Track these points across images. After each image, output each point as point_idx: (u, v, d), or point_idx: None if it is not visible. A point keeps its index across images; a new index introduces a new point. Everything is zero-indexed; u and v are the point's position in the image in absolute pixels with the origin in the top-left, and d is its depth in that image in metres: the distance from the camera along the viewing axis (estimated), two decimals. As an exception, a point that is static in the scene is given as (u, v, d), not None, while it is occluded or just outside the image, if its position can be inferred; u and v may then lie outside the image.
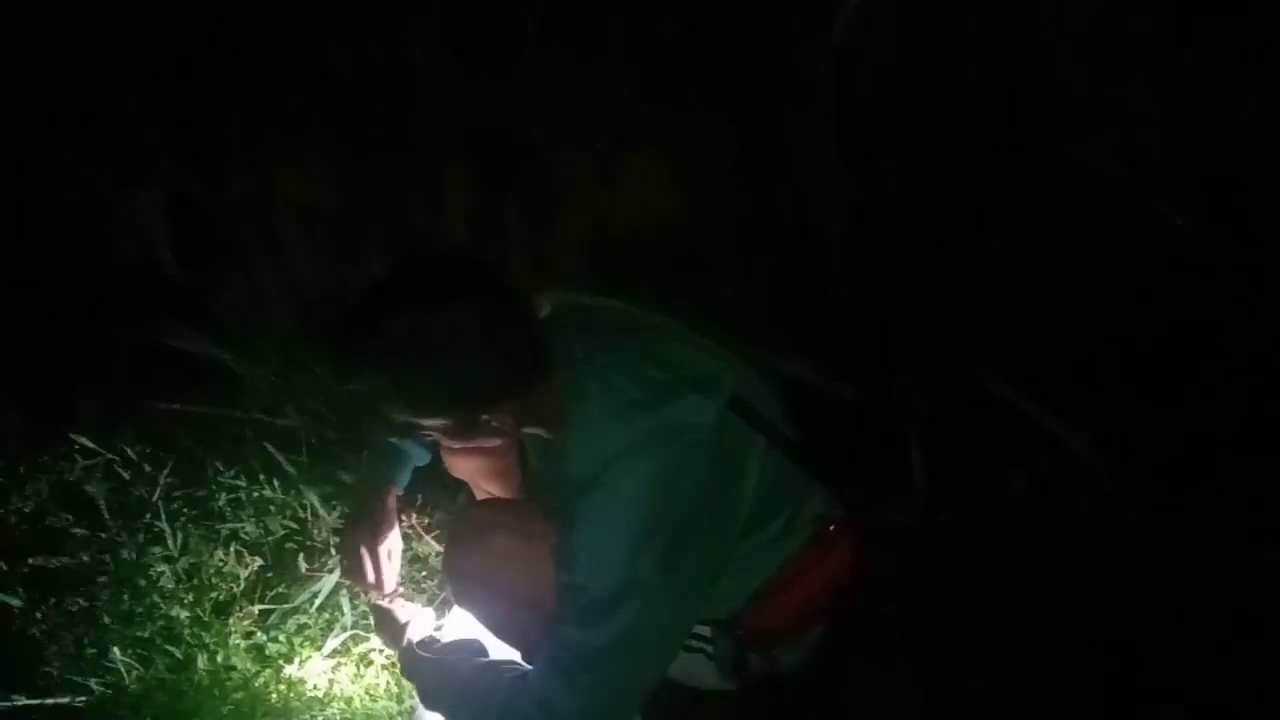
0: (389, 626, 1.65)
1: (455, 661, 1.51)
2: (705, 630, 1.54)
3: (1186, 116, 2.12)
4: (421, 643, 1.56)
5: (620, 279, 2.03)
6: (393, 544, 1.73)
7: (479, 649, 1.53)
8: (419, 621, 1.66)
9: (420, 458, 1.77)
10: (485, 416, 1.36)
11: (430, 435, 1.41)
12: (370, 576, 1.68)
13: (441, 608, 1.84)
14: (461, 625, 1.68)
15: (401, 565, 1.78)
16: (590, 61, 2.41)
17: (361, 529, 1.70)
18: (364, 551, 1.68)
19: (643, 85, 2.36)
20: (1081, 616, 1.68)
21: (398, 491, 1.77)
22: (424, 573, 2.00)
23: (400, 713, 1.83)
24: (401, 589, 1.73)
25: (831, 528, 1.54)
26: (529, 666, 1.46)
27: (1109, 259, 1.99)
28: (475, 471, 1.78)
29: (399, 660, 1.59)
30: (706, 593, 1.45)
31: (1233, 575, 1.65)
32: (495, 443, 1.45)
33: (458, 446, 1.43)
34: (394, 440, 1.74)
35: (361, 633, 1.95)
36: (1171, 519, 1.70)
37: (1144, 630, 1.63)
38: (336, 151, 2.40)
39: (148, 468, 2.24)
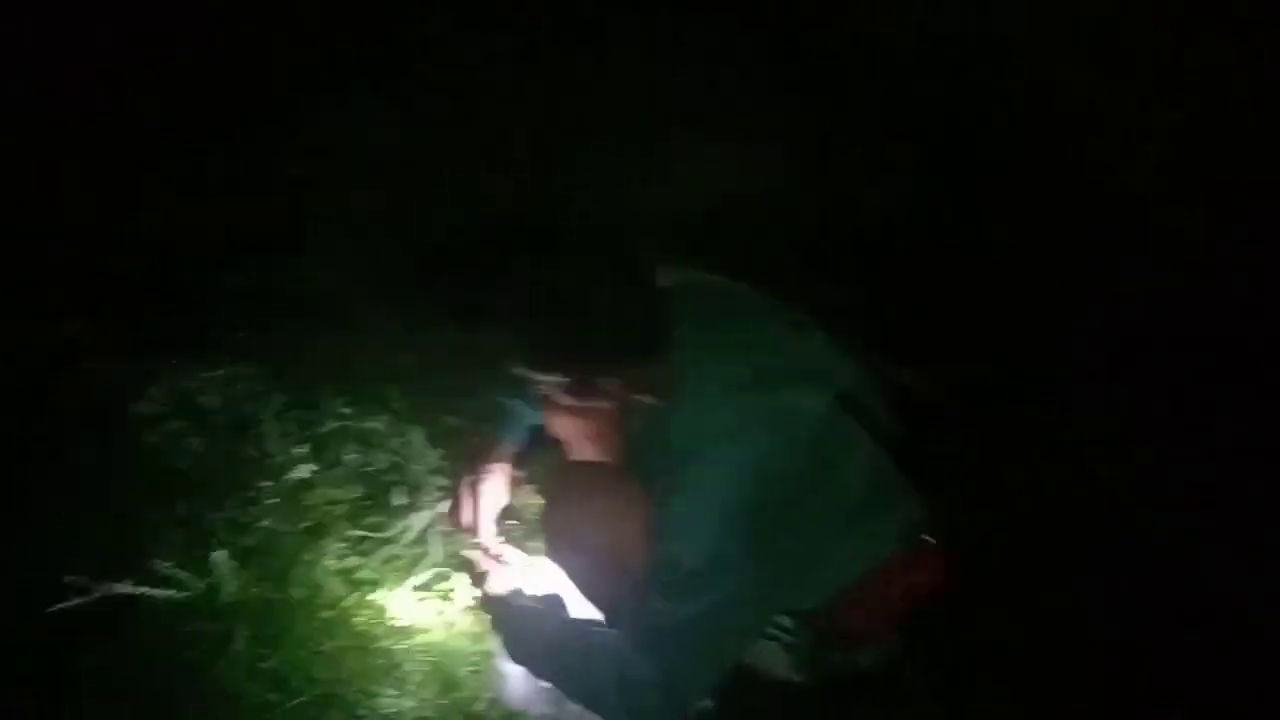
0: (482, 577, 1.70)
1: (542, 619, 1.55)
2: (785, 620, 1.56)
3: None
4: (511, 596, 1.61)
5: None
6: (496, 493, 1.79)
7: (565, 608, 1.58)
8: (511, 572, 1.71)
9: (535, 417, 1.81)
10: (600, 379, 1.39)
11: (544, 391, 1.45)
12: (469, 520, 1.75)
13: (534, 562, 1.89)
14: (551, 580, 1.73)
15: (501, 516, 1.83)
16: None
17: (469, 475, 1.77)
18: (468, 496, 1.75)
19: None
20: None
21: (509, 447, 1.82)
22: (519, 525, 2.05)
23: (477, 654, 1.88)
24: (500, 538, 1.79)
25: (925, 537, 1.54)
26: (612, 629, 1.50)
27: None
28: (576, 432, 1.80)
29: (489, 611, 1.65)
30: (793, 582, 1.47)
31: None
32: (605, 406, 1.48)
33: (567, 405, 1.46)
34: (510, 398, 1.80)
35: (448, 571, 2.02)
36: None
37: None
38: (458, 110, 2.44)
39: (261, 387, 2.35)
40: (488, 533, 1.77)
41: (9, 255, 2.56)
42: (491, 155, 2.42)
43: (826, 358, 1.47)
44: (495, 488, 1.79)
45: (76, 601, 1.94)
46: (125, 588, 1.95)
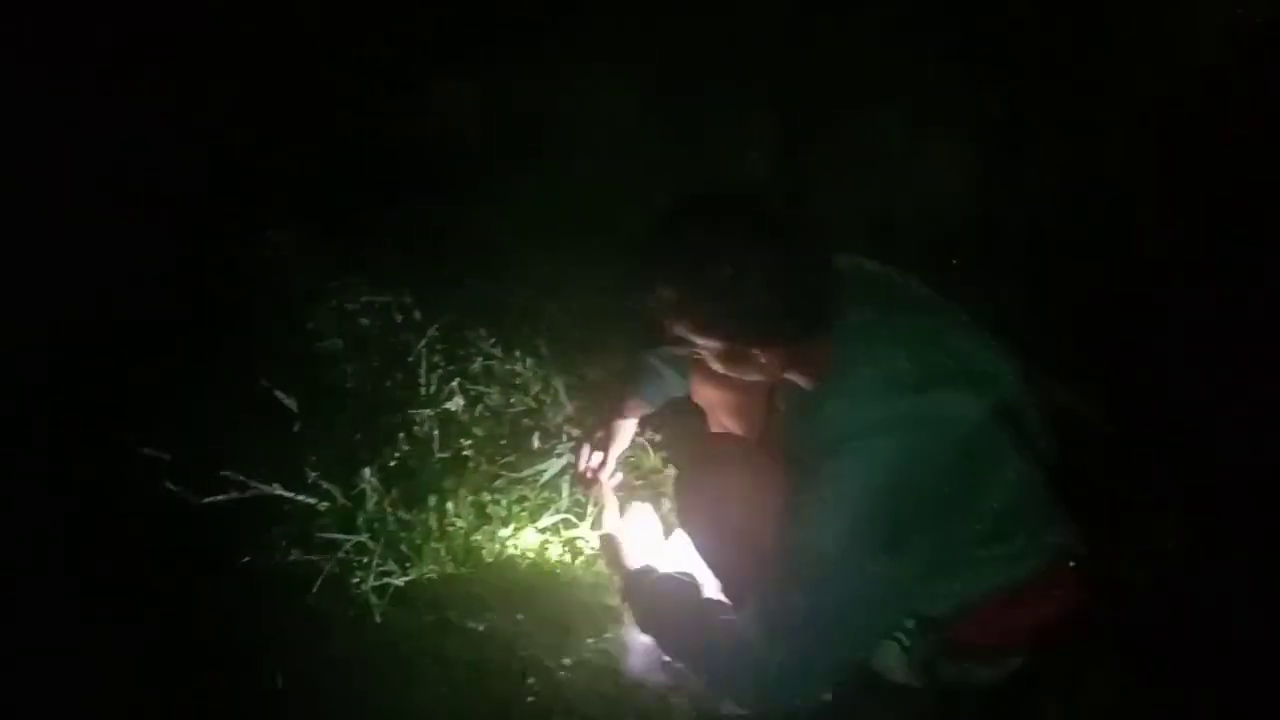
0: (614, 551, 1.72)
1: (674, 595, 1.58)
2: (908, 623, 1.54)
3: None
4: (645, 569, 1.64)
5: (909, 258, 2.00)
6: (619, 444, 1.87)
7: (694, 585, 1.60)
8: (620, 520, 1.78)
9: (678, 386, 1.84)
10: (757, 351, 1.39)
11: (700, 354, 1.46)
12: (590, 464, 1.85)
13: (663, 532, 1.93)
14: (679, 552, 1.77)
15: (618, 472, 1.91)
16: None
17: (601, 429, 1.85)
18: (593, 444, 1.86)
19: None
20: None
21: (643, 406, 1.86)
22: (646, 487, 2.09)
23: (595, 603, 1.93)
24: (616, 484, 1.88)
25: (1069, 564, 1.49)
26: (740, 609, 1.51)
27: None
28: (721, 404, 1.82)
29: (621, 584, 1.69)
30: (923, 587, 1.45)
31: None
32: (757, 378, 1.48)
33: (721, 372, 1.47)
34: (657, 363, 1.83)
35: (573, 519, 2.08)
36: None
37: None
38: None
39: (419, 315, 2.45)
40: (606, 478, 1.85)
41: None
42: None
43: (991, 363, 1.42)
44: (620, 440, 1.86)
45: (231, 496, 2.08)
46: (275, 489, 2.07)
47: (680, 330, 1.41)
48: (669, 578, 1.59)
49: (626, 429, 1.90)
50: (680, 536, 1.78)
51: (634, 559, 1.68)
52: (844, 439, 1.35)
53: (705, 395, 1.83)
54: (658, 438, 2.19)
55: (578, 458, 1.91)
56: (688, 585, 1.58)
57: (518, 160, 2.58)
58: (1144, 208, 2.08)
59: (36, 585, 2.05)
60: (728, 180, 2.35)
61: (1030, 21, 2.36)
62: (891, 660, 1.58)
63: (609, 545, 1.72)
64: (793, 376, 1.46)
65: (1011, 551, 1.45)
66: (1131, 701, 1.65)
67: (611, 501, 1.83)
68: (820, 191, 2.19)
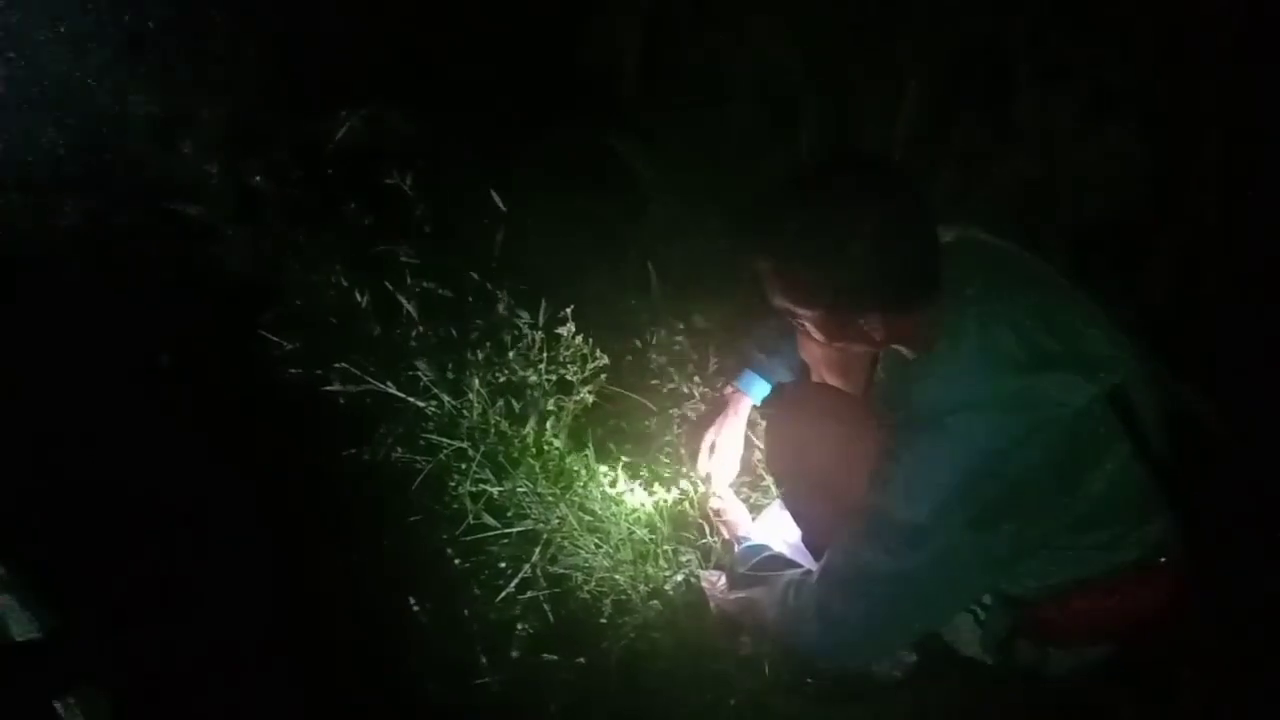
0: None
1: (760, 550, 1.63)
2: (986, 597, 1.54)
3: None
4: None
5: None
6: (729, 444, 1.89)
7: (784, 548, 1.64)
8: (737, 523, 1.85)
9: (780, 376, 1.86)
10: (860, 320, 1.39)
11: (802, 324, 1.47)
12: (704, 473, 1.90)
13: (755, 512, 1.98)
14: (772, 524, 1.80)
15: (735, 470, 1.95)
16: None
17: (705, 423, 1.91)
18: (700, 443, 1.89)
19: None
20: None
21: (752, 403, 1.89)
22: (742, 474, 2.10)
23: (678, 539, 1.97)
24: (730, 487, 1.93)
25: (1163, 560, 1.46)
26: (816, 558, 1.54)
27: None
28: (823, 360, 1.83)
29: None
30: (1006, 567, 1.44)
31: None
32: (860, 348, 1.49)
33: (824, 341, 1.48)
34: (761, 354, 1.86)
35: (663, 459, 2.12)
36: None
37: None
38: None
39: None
40: (718, 479, 1.90)
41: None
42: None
43: (1106, 347, 1.38)
44: (728, 438, 1.89)
45: (344, 388, 2.19)
46: (387, 387, 2.17)
47: (780, 301, 1.42)
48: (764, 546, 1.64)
49: (730, 426, 1.91)
50: (769, 514, 1.82)
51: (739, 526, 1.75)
52: (942, 413, 1.34)
53: (810, 350, 1.84)
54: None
55: (689, 455, 1.95)
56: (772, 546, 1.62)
57: (669, 102, 2.59)
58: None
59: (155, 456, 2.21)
60: (871, 143, 2.32)
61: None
62: (965, 633, 1.58)
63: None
64: (897, 345, 1.46)
65: (1104, 540, 1.43)
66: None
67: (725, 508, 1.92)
68: (966, 166, 2.15)
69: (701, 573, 1.83)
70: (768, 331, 1.85)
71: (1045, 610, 1.50)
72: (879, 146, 2.30)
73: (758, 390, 1.88)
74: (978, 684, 1.65)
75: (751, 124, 2.44)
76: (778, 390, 1.86)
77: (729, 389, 1.91)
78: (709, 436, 1.89)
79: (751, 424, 1.95)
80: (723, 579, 1.77)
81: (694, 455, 1.91)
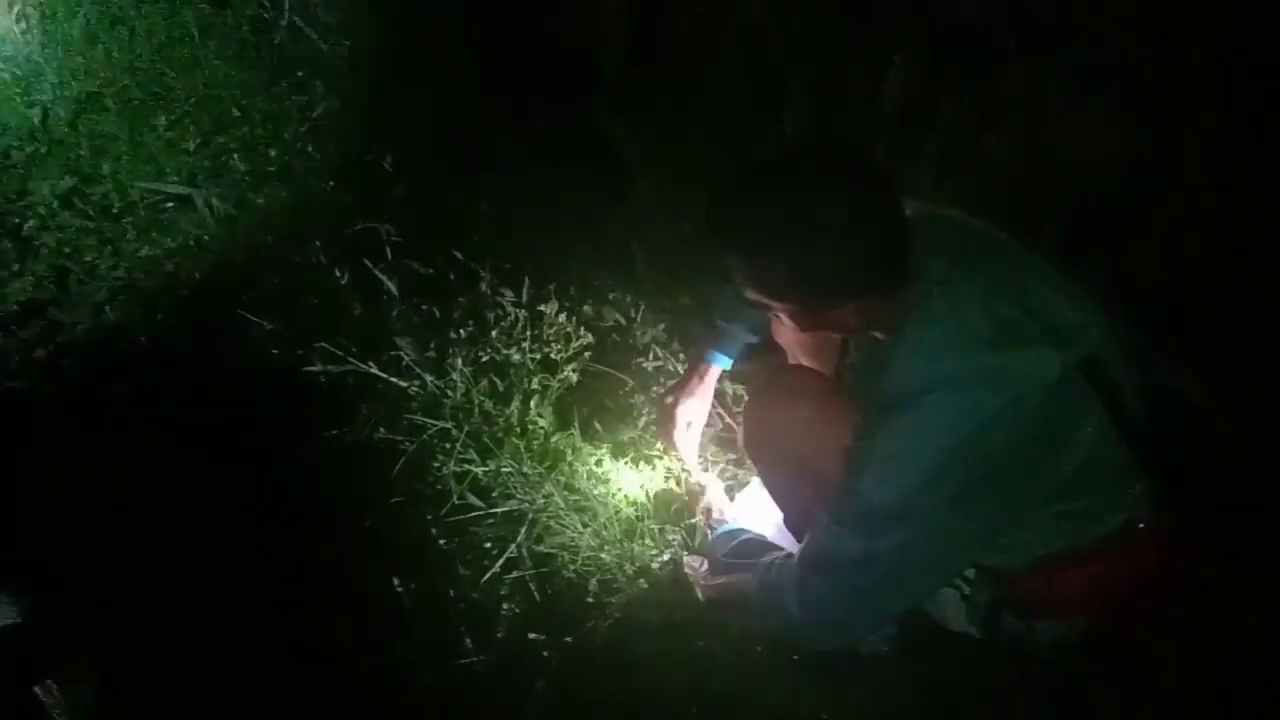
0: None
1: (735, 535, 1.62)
2: (969, 571, 1.53)
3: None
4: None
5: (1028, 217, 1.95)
6: (696, 415, 1.86)
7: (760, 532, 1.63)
8: (710, 495, 1.83)
9: (746, 339, 1.84)
10: (833, 309, 1.37)
11: (776, 315, 1.44)
12: (672, 443, 1.86)
13: (733, 490, 1.97)
14: (751, 503, 1.79)
15: (702, 438, 1.94)
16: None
17: (672, 394, 1.87)
18: (668, 413, 1.86)
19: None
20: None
21: (718, 369, 1.86)
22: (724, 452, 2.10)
23: (663, 520, 1.97)
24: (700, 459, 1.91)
25: (1140, 527, 1.46)
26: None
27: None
28: (797, 343, 1.82)
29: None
30: (985, 543, 1.44)
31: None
32: (835, 335, 1.47)
33: (797, 329, 1.46)
34: (722, 321, 1.82)
35: (649, 438, 2.11)
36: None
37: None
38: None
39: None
40: (686, 451, 1.87)
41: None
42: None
43: (1076, 316, 1.37)
44: (693, 408, 1.86)
45: (325, 368, 2.17)
46: (368, 367, 2.15)
47: (752, 295, 1.40)
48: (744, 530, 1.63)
49: (698, 395, 1.87)
50: (748, 493, 1.81)
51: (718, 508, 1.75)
52: (913, 394, 1.32)
53: (782, 334, 1.83)
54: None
55: (660, 430, 1.93)
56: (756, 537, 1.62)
57: (654, 72, 2.56)
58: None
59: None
60: (856, 122, 2.30)
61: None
62: (950, 606, 1.58)
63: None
64: (865, 330, 1.45)
65: (1083, 510, 1.42)
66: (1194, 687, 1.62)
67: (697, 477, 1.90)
68: (952, 144, 2.14)
69: (684, 558, 1.82)
70: (726, 298, 1.83)
71: (1028, 582, 1.49)
72: (864, 125, 2.28)
73: (723, 357, 1.86)
74: (965, 658, 1.65)
75: (736, 102, 2.41)
76: (745, 354, 1.85)
77: (699, 361, 1.88)
78: (681, 411, 1.87)
79: (719, 394, 1.93)
80: (705, 564, 1.77)
81: (667, 431, 1.89)
